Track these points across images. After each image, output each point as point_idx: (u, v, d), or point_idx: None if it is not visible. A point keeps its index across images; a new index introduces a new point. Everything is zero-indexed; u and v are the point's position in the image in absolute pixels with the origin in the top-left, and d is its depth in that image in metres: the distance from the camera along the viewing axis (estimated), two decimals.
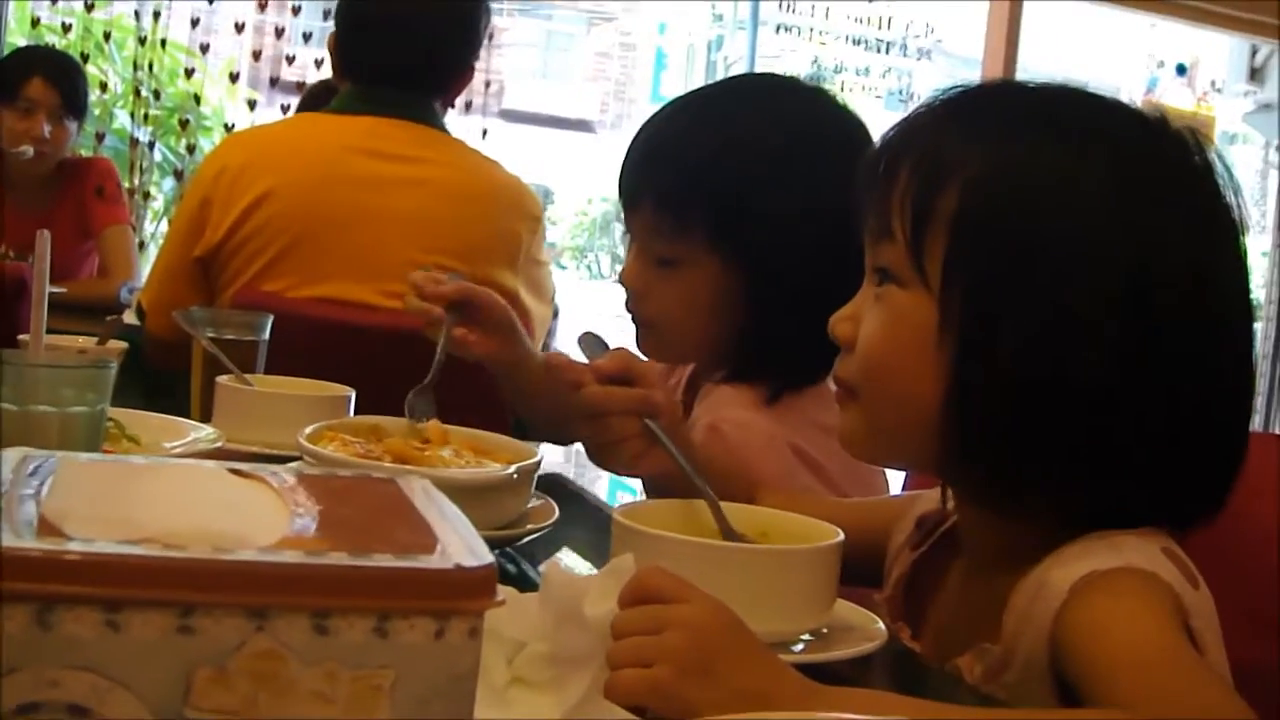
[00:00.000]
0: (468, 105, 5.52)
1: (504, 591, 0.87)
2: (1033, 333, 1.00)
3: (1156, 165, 1.06)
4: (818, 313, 1.18)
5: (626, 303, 1.66)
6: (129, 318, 2.84)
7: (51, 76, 3.87)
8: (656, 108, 1.72)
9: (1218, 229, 1.06)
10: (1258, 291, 5.88)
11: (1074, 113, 1.10)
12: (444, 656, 0.57)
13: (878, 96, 6.87)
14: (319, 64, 5.35)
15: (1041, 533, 1.03)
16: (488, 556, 0.58)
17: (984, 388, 1.02)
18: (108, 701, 0.54)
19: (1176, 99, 6.22)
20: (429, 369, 1.59)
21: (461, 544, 0.60)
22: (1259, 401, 5.60)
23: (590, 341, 1.29)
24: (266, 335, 1.84)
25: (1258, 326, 5.67)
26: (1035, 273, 1.01)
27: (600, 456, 1.30)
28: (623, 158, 1.64)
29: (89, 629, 0.53)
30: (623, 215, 1.67)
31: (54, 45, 5.03)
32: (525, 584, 1.26)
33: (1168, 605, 0.94)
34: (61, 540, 0.54)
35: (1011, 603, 1.01)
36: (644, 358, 1.76)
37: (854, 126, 1.64)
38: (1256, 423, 5.46)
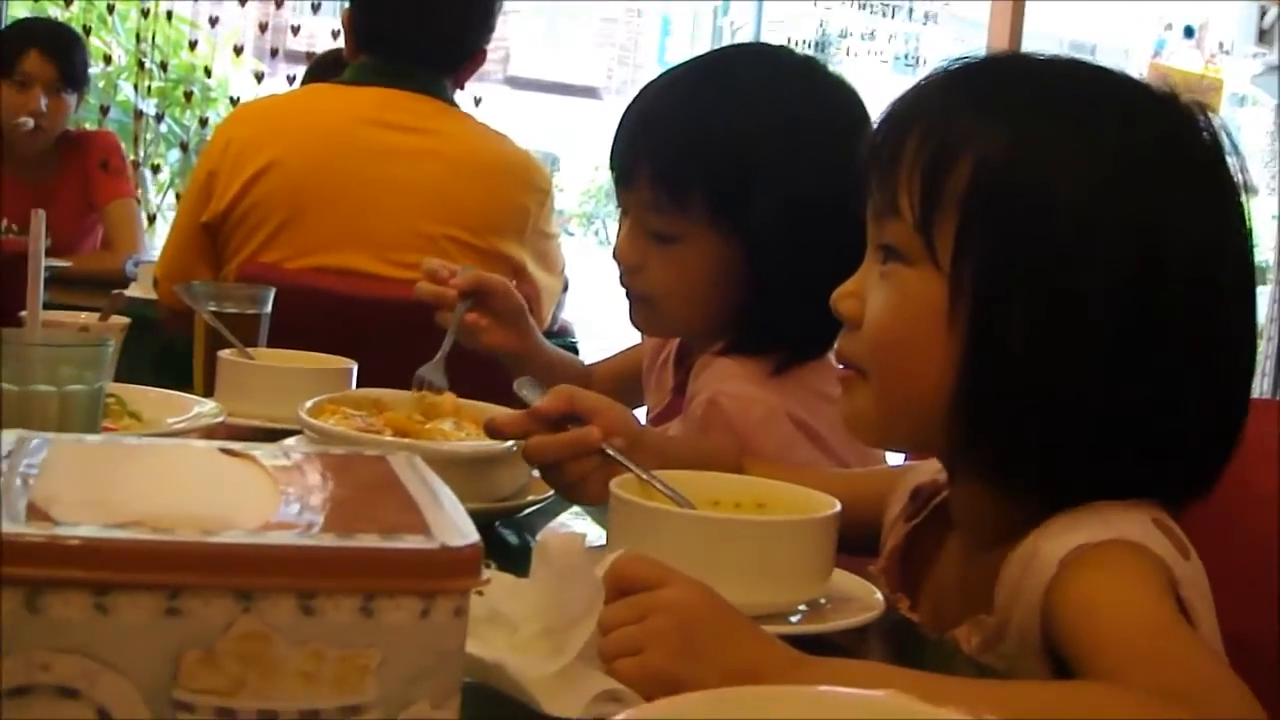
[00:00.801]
0: None
1: (502, 576, 0.88)
2: (1046, 311, 1.00)
3: (1167, 142, 1.05)
4: (821, 286, 1.18)
5: (621, 277, 1.65)
6: (134, 291, 2.86)
7: (48, 50, 3.84)
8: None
9: (1225, 203, 1.05)
10: (1266, 254, 5.85)
11: (1084, 88, 1.08)
12: (430, 636, 0.57)
13: (884, 61, 6.84)
14: (335, 34, 5.32)
15: (1036, 506, 1.03)
16: (474, 536, 0.59)
17: (997, 367, 1.02)
18: (98, 683, 0.54)
19: (1184, 61, 6.17)
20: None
21: (448, 523, 0.60)
22: (1267, 365, 5.58)
23: (527, 386, 1.27)
24: (269, 308, 1.85)
25: (1265, 290, 5.66)
26: (1048, 251, 1.00)
27: (569, 496, 1.29)
28: (615, 132, 1.63)
29: (78, 612, 0.54)
30: (615, 189, 1.66)
31: (55, 18, 5.01)
32: (525, 555, 1.26)
33: (1158, 578, 0.94)
34: (50, 525, 0.55)
35: (1003, 575, 1.01)
36: (640, 333, 1.75)
37: (847, 93, 1.64)
38: (1266, 387, 5.45)
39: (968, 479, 1.12)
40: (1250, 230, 1.06)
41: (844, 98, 1.63)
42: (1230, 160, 1.06)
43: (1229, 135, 1.07)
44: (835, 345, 1.15)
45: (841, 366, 1.15)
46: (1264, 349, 5.54)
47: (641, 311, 1.65)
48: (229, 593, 0.55)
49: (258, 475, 0.67)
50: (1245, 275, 1.06)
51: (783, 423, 1.53)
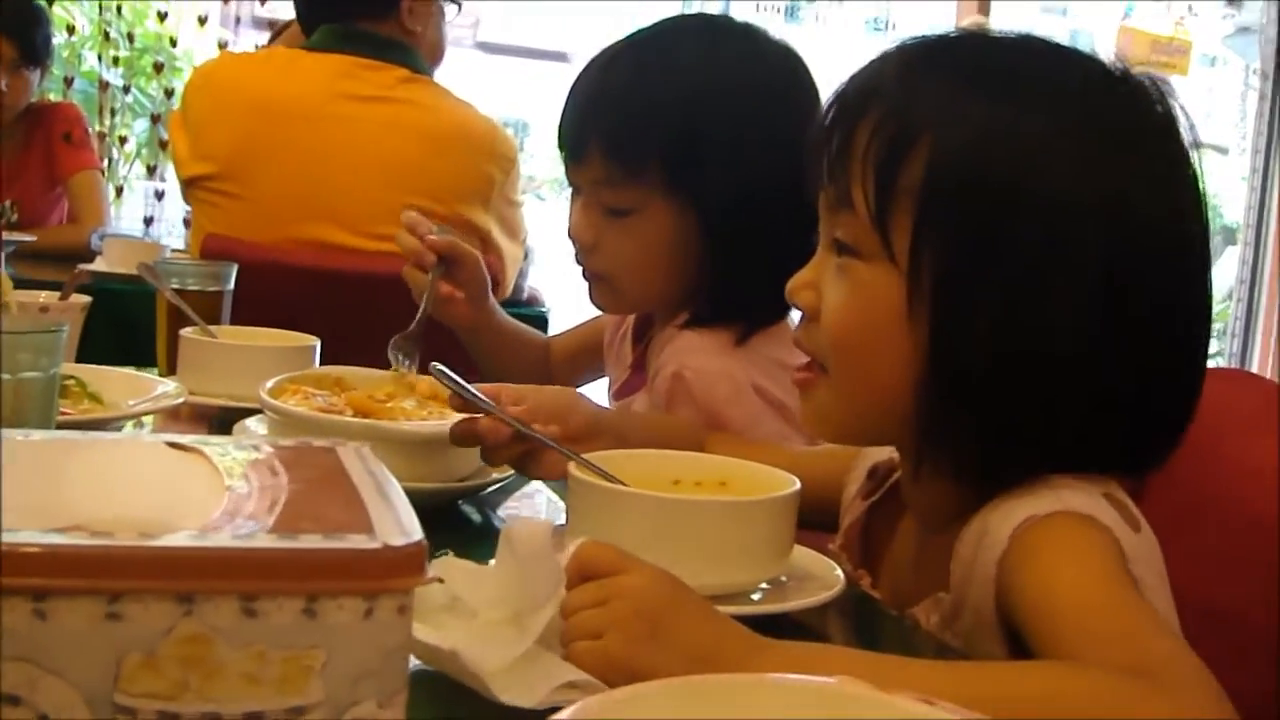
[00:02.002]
0: None
1: (462, 563, 0.88)
2: (1009, 307, 0.99)
3: (1123, 121, 1.04)
4: (778, 251, 1.17)
5: (576, 257, 1.64)
6: (99, 265, 2.84)
7: (7, 28, 3.77)
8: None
9: (1181, 179, 1.04)
10: (1236, 216, 5.86)
11: (1039, 72, 1.06)
12: (374, 635, 0.57)
13: (854, 25, 6.82)
14: None
15: (990, 487, 1.02)
16: (417, 534, 0.58)
17: (959, 362, 1.01)
18: (39, 689, 0.54)
19: (1154, 23, 6.17)
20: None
21: (392, 521, 0.60)
22: (1236, 326, 5.60)
23: (439, 375, 1.26)
24: (231, 285, 1.84)
25: (1234, 251, 5.68)
26: (1009, 246, 0.99)
27: (520, 472, 1.31)
28: (562, 109, 1.62)
29: (17, 619, 0.53)
30: (565, 167, 1.65)
31: None
32: (487, 533, 1.27)
33: (1108, 549, 0.94)
34: None
35: (956, 553, 1.02)
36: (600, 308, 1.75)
37: (789, 59, 1.64)
38: (1234, 348, 5.48)
39: (925, 467, 1.09)
40: (1204, 202, 1.06)
41: (786, 64, 1.63)
42: (1184, 135, 1.05)
43: (1183, 109, 1.06)
44: (795, 334, 1.15)
45: (798, 366, 1.15)
46: (1233, 310, 5.56)
47: (601, 291, 1.65)
48: (170, 596, 0.54)
49: (204, 471, 0.67)
50: (1202, 248, 1.06)
51: (748, 396, 1.53)
